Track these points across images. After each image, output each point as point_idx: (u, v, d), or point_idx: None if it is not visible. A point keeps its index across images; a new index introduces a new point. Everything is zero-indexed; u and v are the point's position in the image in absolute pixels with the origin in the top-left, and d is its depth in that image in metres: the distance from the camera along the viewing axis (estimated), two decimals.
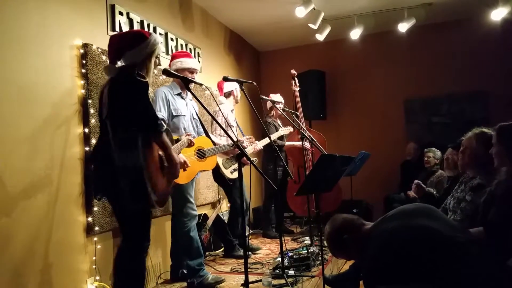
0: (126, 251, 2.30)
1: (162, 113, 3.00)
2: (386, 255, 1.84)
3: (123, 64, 2.33)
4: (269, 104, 4.74)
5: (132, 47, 2.28)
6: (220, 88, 4.23)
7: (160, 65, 2.46)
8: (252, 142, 3.81)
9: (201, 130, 3.33)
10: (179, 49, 4.14)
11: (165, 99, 3.07)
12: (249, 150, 4.19)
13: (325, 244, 2.32)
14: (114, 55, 2.34)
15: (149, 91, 2.30)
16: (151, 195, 2.14)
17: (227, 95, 4.17)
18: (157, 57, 2.40)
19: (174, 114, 3.10)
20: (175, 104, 3.12)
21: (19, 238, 2.33)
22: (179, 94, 3.18)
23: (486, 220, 2.02)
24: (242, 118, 5.74)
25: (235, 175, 3.98)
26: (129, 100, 2.19)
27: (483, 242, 1.93)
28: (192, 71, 3.19)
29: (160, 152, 2.26)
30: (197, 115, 3.30)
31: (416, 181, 3.23)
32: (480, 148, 2.40)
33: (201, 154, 3.14)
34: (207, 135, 3.25)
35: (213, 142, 3.14)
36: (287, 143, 4.73)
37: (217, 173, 4.01)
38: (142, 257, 2.35)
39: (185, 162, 2.78)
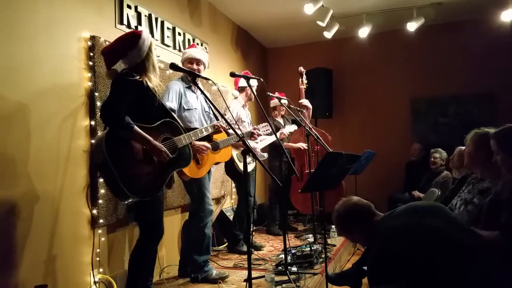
0: (139, 240, 2.49)
1: (173, 104, 2.99)
2: (392, 253, 1.82)
3: (125, 66, 2.42)
4: (272, 104, 4.73)
5: (132, 47, 2.33)
6: (235, 82, 4.20)
7: (158, 56, 2.54)
8: (267, 130, 3.74)
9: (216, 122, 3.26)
10: (187, 44, 4.14)
11: (178, 92, 3.07)
12: (262, 144, 4.17)
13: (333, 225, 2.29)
14: (111, 60, 2.40)
15: (154, 85, 2.39)
16: (126, 186, 2.15)
17: (241, 90, 4.15)
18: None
19: (186, 107, 3.09)
20: (186, 98, 3.10)
21: (24, 229, 2.35)
22: (189, 88, 3.16)
23: (499, 223, 1.97)
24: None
25: (250, 168, 4.00)
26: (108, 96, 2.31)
27: (497, 245, 1.90)
28: (192, 61, 3.10)
29: (145, 146, 2.30)
30: (209, 107, 3.26)
31: None
32: (483, 149, 2.40)
33: (214, 146, 3.11)
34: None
35: (227, 133, 3.10)
36: (285, 143, 4.69)
37: (229, 166, 4.01)
38: (150, 247, 2.50)
39: (203, 147, 2.87)
